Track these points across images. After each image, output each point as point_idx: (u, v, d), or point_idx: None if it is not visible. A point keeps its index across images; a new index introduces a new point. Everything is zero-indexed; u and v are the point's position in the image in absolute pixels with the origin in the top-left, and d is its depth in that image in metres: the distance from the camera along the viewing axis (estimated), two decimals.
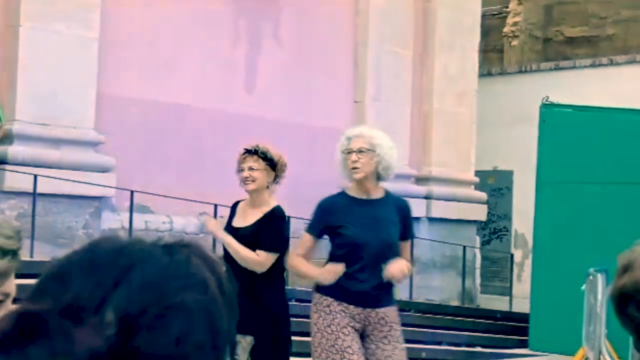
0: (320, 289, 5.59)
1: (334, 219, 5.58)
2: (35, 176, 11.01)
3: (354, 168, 5.50)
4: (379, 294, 5.50)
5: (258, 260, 5.70)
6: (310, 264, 5.80)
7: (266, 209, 5.98)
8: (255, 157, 6.03)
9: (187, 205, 12.57)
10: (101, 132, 12.11)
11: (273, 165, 6.02)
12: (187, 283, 1.02)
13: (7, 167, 11.19)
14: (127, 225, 12.20)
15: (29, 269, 9.52)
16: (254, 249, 5.79)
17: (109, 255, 1.00)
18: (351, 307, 5.45)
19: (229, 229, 6.01)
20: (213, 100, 13.47)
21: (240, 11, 13.96)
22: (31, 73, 11.53)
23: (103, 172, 12.07)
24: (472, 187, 16.72)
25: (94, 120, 12.12)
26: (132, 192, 12.01)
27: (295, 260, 5.78)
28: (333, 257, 5.62)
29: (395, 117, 15.46)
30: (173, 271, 1.02)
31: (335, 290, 5.49)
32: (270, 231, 5.88)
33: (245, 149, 6.13)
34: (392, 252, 5.43)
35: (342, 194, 5.72)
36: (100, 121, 12.14)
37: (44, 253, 10.99)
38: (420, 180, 15.88)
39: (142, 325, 0.96)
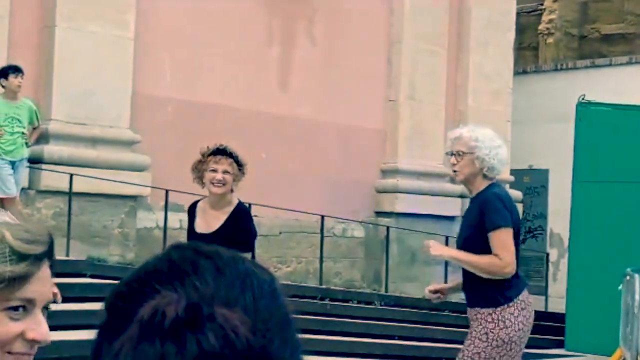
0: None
1: None
2: (71, 175, 11.07)
3: (453, 171, 5.53)
4: (467, 294, 5.47)
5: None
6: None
7: (229, 209, 5.88)
8: (230, 160, 5.81)
9: None
10: (136, 132, 12.16)
11: (241, 168, 5.87)
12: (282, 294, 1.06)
13: (44, 166, 11.27)
14: (162, 224, 12.25)
15: (65, 268, 9.60)
16: None
17: (230, 260, 1.02)
18: None
19: (194, 236, 5.81)
20: (247, 100, 13.49)
21: (273, 11, 13.97)
22: (67, 73, 11.61)
23: (138, 171, 12.12)
24: (508, 185, 16.61)
25: (130, 120, 12.18)
26: (167, 191, 12.04)
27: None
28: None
29: (430, 115, 15.41)
30: (275, 282, 1.05)
31: None
32: (243, 232, 5.83)
33: (219, 150, 5.87)
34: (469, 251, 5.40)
35: None
36: (136, 120, 12.20)
37: (79, 252, 11.07)
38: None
39: (272, 330, 0.98)
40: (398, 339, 12.21)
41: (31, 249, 1.59)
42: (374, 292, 13.85)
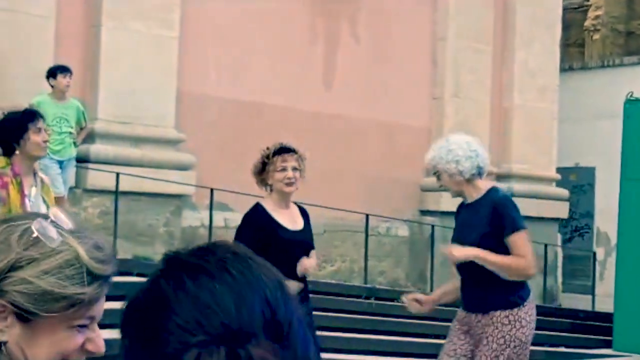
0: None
1: None
2: (118, 174, 11.13)
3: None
4: (473, 300, 5.47)
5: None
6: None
7: (295, 207, 5.85)
8: (296, 156, 5.73)
9: None
10: (181, 131, 12.20)
11: (303, 162, 5.82)
12: None
13: (90, 165, 11.33)
14: (207, 223, 12.28)
15: None
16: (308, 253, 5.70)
17: (268, 268, 1.07)
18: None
19: (286, 233, 5.63)
20: (291, 98, 13.49)
21: (317, 8, 13.95)
22: (112, 72, 11.67)
23: (183, 170, 12.16)
24: (554, 184, 16.48)
25: (174, 119, 12.22)
26: (211, 189, 12.07)
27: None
28: None
29: (474, 113, 15.31)
30: (285, 287, 1.09)
31: None
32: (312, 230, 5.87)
33: (286, 148, 5.77)
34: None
35: None
36: (180, 119, 12.24)
37: (125, 251, 11.12)
38: (500, 177, 15.69)
39: (295, 345, 1.02)
40: (444, 338, 12.11)
41: (105, 269, 1.59)
42: (420, 291, 13.77)
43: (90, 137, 11.29)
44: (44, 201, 5.45)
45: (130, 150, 11.79)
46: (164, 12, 12.09)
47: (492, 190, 5.44)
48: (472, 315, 5.40)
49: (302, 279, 5.58)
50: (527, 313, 5.34)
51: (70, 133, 9.96)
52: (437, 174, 5.46)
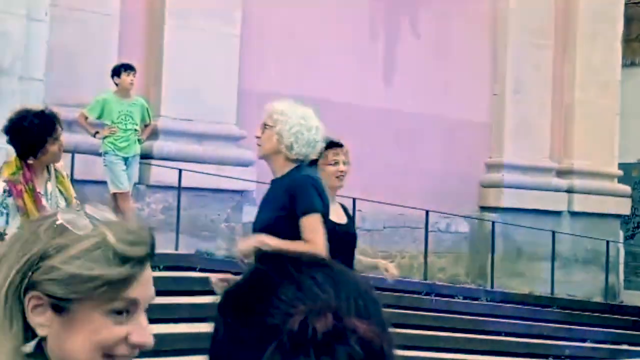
0: None
1: None
2: (180, 170, 11.27)
3: (258, 144, 5.06)
4: None
5: None
6: None
7: (337, 203, 5.78)
8: (345, 149, 5.76)
9: None
10: (242, 127, 12.31)
11: None
12: None
13: (153, 161, 11.50)
14: None
15: (175, 262, 9.76)
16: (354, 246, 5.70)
17: (337, 270, 1.09)
18: None
19: (333, 225, 5.42)
20: (351, 94, 13.53)
21: (378, 5, 13.98)
22: (175, 70, 11.83)
23: (244, 166, 12.26)
24: (616, 180, 16.31)
25: (236, 116, 12.34)
26: None
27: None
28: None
29: (536, 109, 15.23)
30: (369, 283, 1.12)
31: None
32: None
33: (336, 142, 5.75)
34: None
35: None
36: (242, 116, 12.34)
37: (187, 246, 11.26)
38: (561, 173, 15.59)
39: (387, 335, 1.04)
40: (505, 335, 12.10)
41: (134, 251, 1.56)
42: (480, 287, 13.76)
43: (154, 134, 11.44)
44: (61, 193, 5.40)
45: (192, 146, 11.94)
46: (226, 11, 12.22)
47: (296, 169, 4.95)
48: None
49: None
50: None
51: (135, 130, 10.11)
52: (264, 126, 4.98)
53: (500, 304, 12.97)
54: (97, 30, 11.20)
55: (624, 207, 16.19)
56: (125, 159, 10.00)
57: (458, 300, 12.61)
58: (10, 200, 5.19)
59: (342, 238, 5.42)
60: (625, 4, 17.02)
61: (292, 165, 4.95)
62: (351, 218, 5.93)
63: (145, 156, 11.27)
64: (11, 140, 5.31)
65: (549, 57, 15.43)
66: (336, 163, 5.70)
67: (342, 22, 13.52)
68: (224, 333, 1.07)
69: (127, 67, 10.07)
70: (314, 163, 5.17)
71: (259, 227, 4.86)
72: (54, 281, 1.53)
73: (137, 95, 10.35)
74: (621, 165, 16.40)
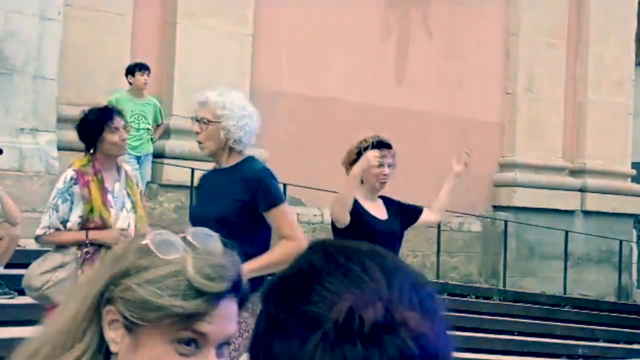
0: None
1: None
2: (192, 169, 11.27)
3: (198, 141, 4.83)
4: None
5: None
6: None
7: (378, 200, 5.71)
8: (392, 151, 5.68)
9: None
10: None
11: None
12: None
13: (165, 160, 11.51)
14: None
15: None
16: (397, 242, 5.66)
17: (392, 260, 1.03)
18: None
19: (373, 220, 5.51)
20: (363, 93, 13.52)
21: (390, 4, 13.96)
22: (187, 69, 11.84)
23: None
24: (629, 179, 16.27)
25: None
26: (284, 185, 12.15)
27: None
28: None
29: (548, 108, 15.19)
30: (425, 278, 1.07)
31: None
32: None
33: (385, 142, 5.69)
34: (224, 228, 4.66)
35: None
36: None
37: None
38: (574, 172, 15.55)
39: (442, 331, 1.00)
40: (518, 335, 12.08)
41: (209, 286, 1.50)
42: (493, 287, 13.73)
43: (166, 133, 11.46)
44: (129, 195, 5.54)
45: None
46: (238, 10, 12.22)
47: (247, 160, 4.84)
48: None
49: None
50: None
51: (148, 129, 10.14)
52: (203, 121, 4.74)
53: (512, 303, 12.95)
54: (110, 29, 11.22)
55: (637, 206, 16.14)
56: (138, 158, 10.02)
57: (470, 299, 12.60)
58: (76, 189, 5.32)
59: (381, 233, 5.36)
60: (639, 3, 16.96)
61: (239, 157, 4.81)
62: (395, 213, 5.74)
63: (158, 155, 11.30)
64: (79, 134, 5.50)
65: (562, 56, 15.40)
66: (381, 165, 5.56)
67: (355, 21, 13.51)
68: (265, 325, 1.02)
69: (142, 67, 10.08)
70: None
71: (213, 217, 4.52)
72: (125, 301, 1.53)
73: (150, 95, 10.37)
74: (634, 165, 16.35)
